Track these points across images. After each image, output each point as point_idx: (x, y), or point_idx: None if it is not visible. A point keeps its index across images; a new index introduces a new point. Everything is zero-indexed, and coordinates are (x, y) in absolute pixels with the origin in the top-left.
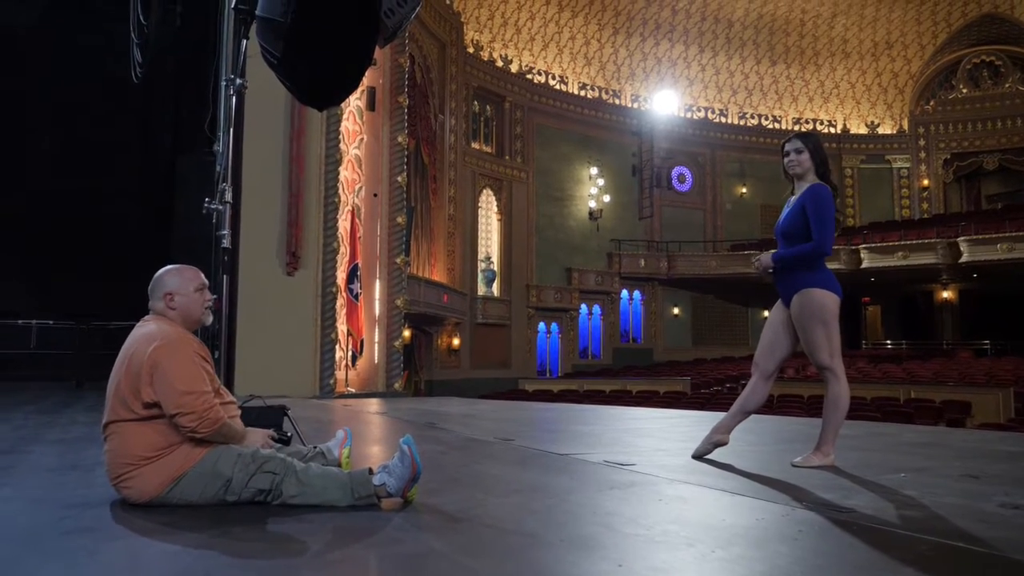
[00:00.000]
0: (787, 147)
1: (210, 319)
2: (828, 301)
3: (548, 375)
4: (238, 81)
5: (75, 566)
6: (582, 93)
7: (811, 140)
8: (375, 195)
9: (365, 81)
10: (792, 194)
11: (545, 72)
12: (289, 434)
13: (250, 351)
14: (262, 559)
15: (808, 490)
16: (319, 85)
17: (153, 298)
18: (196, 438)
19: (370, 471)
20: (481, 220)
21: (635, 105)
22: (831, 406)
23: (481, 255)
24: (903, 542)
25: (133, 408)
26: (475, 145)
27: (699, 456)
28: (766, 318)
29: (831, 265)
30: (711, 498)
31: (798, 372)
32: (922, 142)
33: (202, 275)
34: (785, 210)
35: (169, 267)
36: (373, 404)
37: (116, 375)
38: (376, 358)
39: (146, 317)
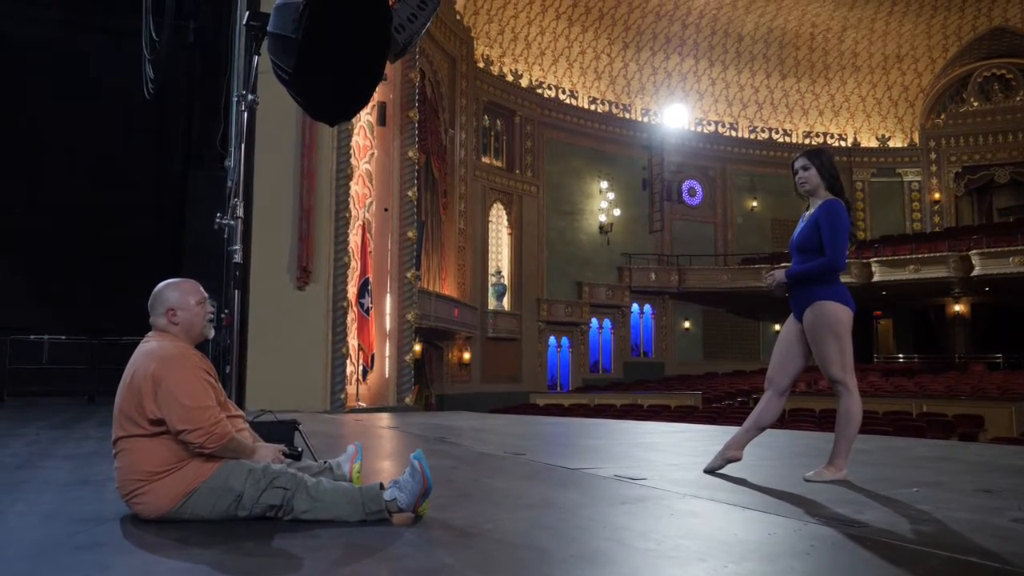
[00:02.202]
0: (795, 165)
1: (212, 332)
2: (842, 314)
3: (559, 389)
4: (250, 97)
5: None
6: (592, 107)
7: (818, 157)
8: (386, 210)
9: (376, 96)
10: (808, 209)
11: (555, 86)
12: (300, 449)
13: (261, 366)
14: (273, 575)
15: (821, 504)
16: (330, 100)
17: (154, 314)
18: (205, 453)
19: (381, 486)
20: (492, 234)
21: (645, 119)
22: (844, 420)
23: (492, 269)
24: (916, 557)
25: (140, 424)
26: (485, 159)
27: (711, 471)
28: (778, 332)
29: (843, 278)
30: (723, 513)
31: (809, 386)
32: (933, 155)
33: (201, 288)
34: (800, 225)
35: (168, 282)
36: (384, 418)
37: (120, 393)
38: (387, 372)
39: (149, 334)
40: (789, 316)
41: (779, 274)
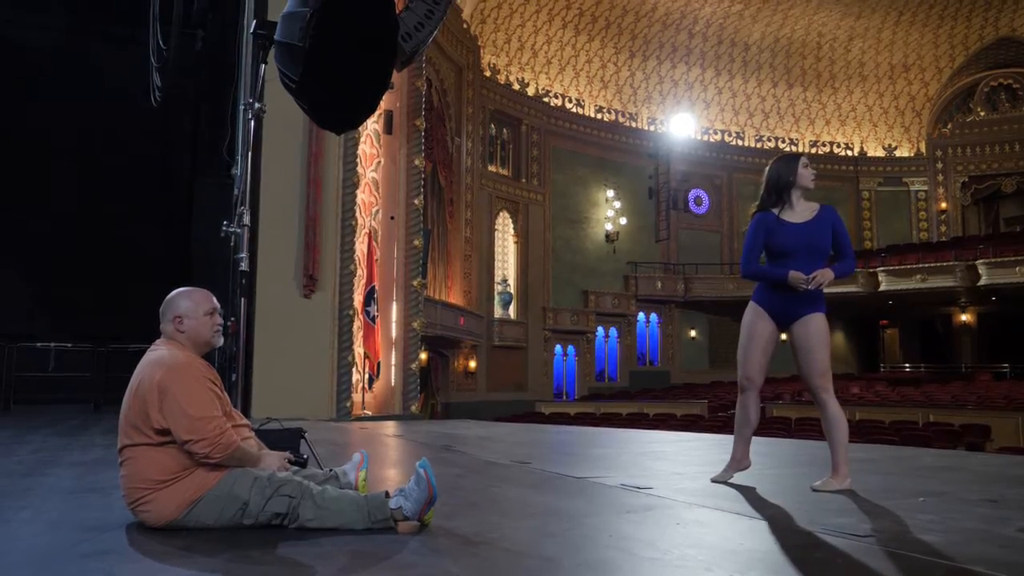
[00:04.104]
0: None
1: (220, 341)
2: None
3: (564, 398)
4: (256, 105)
5: None
6: (598, 116)
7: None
8: (392, 218)
9: (382, 104)
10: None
11: (562, 95)
12: (305, 457)
13: (267, 373)
14: None
15: (826, 514)
16: (337, 109)
17: (163, 321)
18: (211, 463)
19: (386, 494)
20: (497, 242)
21: (652, 128)
22: (835, 425)
23: (497, 277)
24: (921, 567)
25: (145, 433)
26: (492, 168)
27: (722, 482)
28: (784, 341)
29: (849, 287)
30: (729, 522)
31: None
32: (940, 165)
33: (213, 298)
34: (795, 225)
35: (180, 290)
36: (389, 427)
37: (126, 401)
38: (393, 381)
39: (157, 341)
40: (755, 315)
41: (830, 274)
